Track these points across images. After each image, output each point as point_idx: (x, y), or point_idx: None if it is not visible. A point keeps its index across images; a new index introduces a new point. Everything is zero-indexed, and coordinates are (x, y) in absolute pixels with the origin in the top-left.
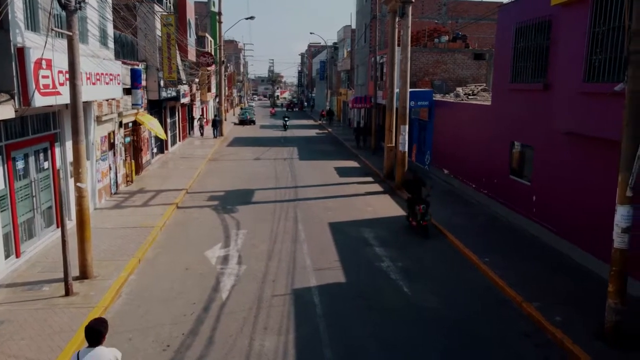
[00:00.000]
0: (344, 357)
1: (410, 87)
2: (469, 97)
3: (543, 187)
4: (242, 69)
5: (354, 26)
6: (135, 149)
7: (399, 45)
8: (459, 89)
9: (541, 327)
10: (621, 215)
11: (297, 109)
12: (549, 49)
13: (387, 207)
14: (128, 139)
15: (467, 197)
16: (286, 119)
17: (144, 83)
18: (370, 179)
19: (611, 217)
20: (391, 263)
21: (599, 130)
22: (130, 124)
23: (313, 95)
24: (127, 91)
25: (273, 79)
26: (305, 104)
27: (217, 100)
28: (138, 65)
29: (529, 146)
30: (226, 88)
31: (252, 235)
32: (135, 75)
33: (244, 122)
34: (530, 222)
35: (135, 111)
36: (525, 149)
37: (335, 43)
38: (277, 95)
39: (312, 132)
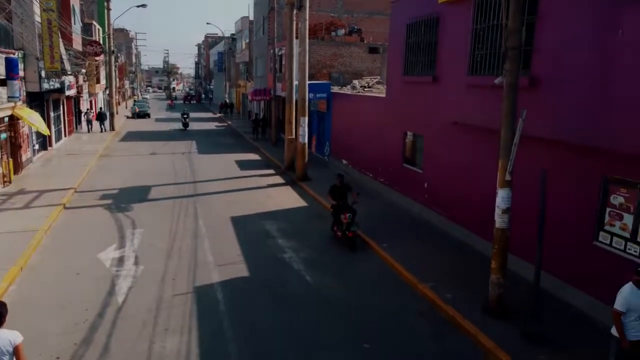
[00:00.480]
0: (249, 351)
1: (309, 80)
2: (365, 89)
3: (433, 174)
4: (134, 60)
5: (252, 17)
6: (13, 146)
7: (297, 37)
8: (356, 82)
9: (435, 306)
10: (501, 197)
11: (194, 102)
12: (437, 44)
13: (289, 199)
14: (4, 135)
15: (365, 186)
16: (185, 116)
17: (21, 73)
18: (271, 171)
19: (493, 200)
20: (294, 254)
21: (481, 120)
22: (7, 119)
23: (211, 87)
24: (1, 82)
25: (168, 70)
26: (203, 96)
27: (107, 92)
28: (14, 54)
29: (421, 135)
30: (117, 79)
31: (149, 234)
32: (10, 64)
33: (137, 115)
34: (423, 207)
35: (12, 104)
36: (417, 139)
37: (233, 34)
38: (173, 87)
39: (212, 125)
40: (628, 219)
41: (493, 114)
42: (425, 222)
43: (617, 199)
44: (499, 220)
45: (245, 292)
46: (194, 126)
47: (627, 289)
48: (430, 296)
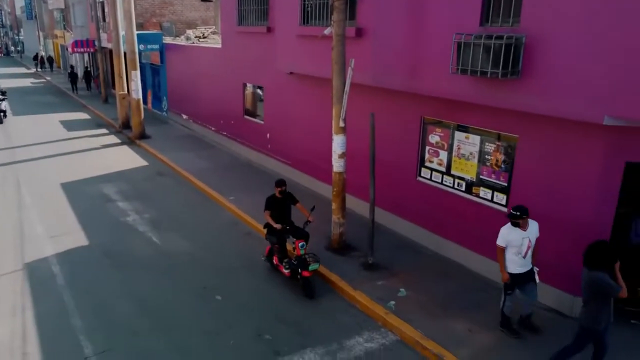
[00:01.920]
0: (96, 323)
1: (138, 30)
2: (200, 40)
3: (274, 125)
4: None
5: None
6: None
7: None
8: (190, 32)
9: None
10: (337, 143)
11: (1, 55)
12: None
13: (128, 159)
14: None
15: (208, 140)
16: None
17: None
18: (104, 130)
19: (326, 146)
20: (137, 216)
21: (315, 70)
22: None
23: (21, 38)
24: None
25: None
26: (12, 48)
27: None
28: None
29: (260, 87)
30: None
31: None
32: None
33: None
34: (267, 158)
35: None
36: (256, 90)
37: None
38: None
39: (26, 82)
40: (443, 155)
41: (325, 64)
42: (270, 172)
43: (434, 138)
44: (336, 164)
45: (87, 261)
46: (2, 83)
47: (505, 227)
48: None
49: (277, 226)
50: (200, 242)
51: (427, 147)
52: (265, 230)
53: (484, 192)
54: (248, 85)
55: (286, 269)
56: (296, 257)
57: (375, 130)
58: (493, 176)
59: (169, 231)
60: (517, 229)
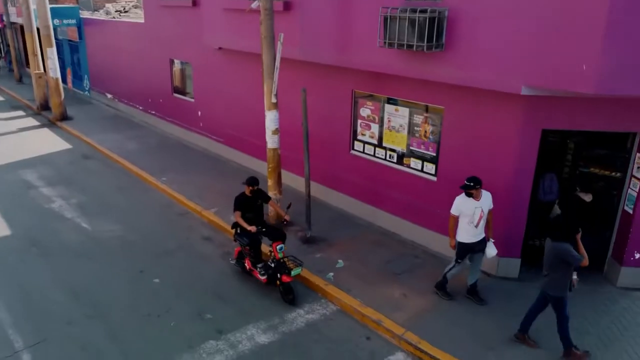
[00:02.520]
0: (26, 315)
1: (52, 3)
2: (121, 14)
3: (205, 102)
4: None
5: None
6: None
7: None
8: (109, 6)
9: (220, 229)
10: (270, 119)
11: None
12: None
13: (49, 143)
14: None
15: (136, 120)
16: None
17: None
18: (21, 112)
19: (259, 123)
20: (64, 202)
21: (244, 45)
22: None
23: None
24: None
25: None
26: None
27: None
28: None
29: (188, 63)
30: None
31: None
32: None
33: None
34: (199, 136)
35: None
36: (185, 67)
37: None
38: None
39: None
40: (375, 128)
41: (254, 39)
42: (202, 151)
43: (365, 111)
44: (270, 140)
45: (11, 252)
46: None
47: (459, 197)
48: (215, 221)
49: (252, 228)
50: (134, 226)
51: (359, 121)
52: (233, 231)
53: (415, 163)
54: (176, 61)
55: (262, 274)
56: (274, 260)
57: (308, 105)
58: (422, 147)
59: (99, 216)
60: (471, 199)
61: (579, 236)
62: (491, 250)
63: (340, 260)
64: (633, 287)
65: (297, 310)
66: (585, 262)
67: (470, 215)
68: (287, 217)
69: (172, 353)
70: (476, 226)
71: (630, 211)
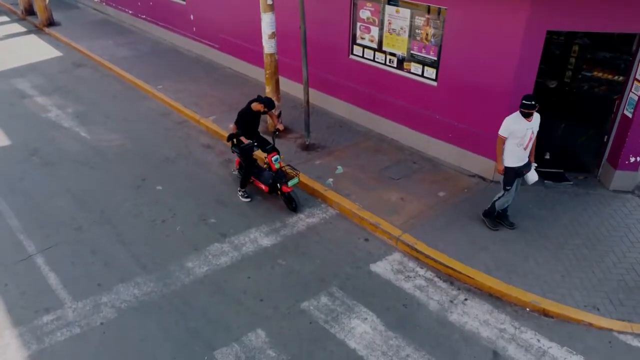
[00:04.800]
0: (35, 222)
1: None
2: None
3: (197, 5)
4: None
5: None
6: None
7: None
8: None
9: (219, 137)
10: (266, 22)
11: None
12: None
13: (38, 50)
14: None
15: (126, 25)
16: None
17: None
18: (5, 18)
19: (255, 28)
20: (60, 111)
21: None
22: None
23: None
24: None
25: None
26: None
27: None
28: None
29: None
30: None
31: None
32: None
33: None
34: (193, 42)
35: None
36: None
37: None
38: None
39: None
40: (375, 32)
41: None
42: (197, 57)
43: (365, 14)
44: (267, 45)
45: (12, 161)
46: None
47: (511, 117)
48: (212, 128)
49: (248, 142)
50: (132, 135)
51: (359, 24)
52: (229, 144)
53: (415, 67)
54: None
55: (263, 183)
56: (271, 171)
57: (305, 9)
58: (423, 50)
59: (97, 125)
60: (523, 120)
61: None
62: (534, 175)
63: (339, 167)
64: (625, 190)
65: (298, 215)
66: None
67: (521, 137)
68: (280, 126)
69: (179, 255)
70: (525, 148)
71: (630, 115)
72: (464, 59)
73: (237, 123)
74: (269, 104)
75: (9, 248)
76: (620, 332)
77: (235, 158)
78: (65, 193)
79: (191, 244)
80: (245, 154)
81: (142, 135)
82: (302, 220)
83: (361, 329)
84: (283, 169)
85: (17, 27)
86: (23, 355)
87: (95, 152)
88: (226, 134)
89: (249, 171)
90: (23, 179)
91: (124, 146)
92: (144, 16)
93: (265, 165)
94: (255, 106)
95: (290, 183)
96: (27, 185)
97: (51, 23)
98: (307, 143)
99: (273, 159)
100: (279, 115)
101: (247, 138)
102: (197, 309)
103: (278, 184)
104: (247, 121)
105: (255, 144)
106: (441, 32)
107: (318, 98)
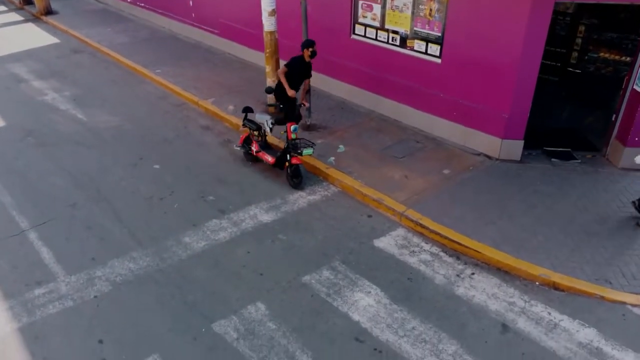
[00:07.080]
0: (29, 199)
1: None
2: None
3: None
4: None
5: None
6: None
7: None
8: None
9: (218, 118)
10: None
11: None
12: None
13: (35, 37)
14: None
15: (124, 13)
16: None
17: None
18: (2, 7)
19: (255, 12)
20: (56, 94)
21: None
22: None
23: None
24: None
25: None
26: None
27: None
28: None
29: None
30: None
31: None
32: None
33: None
34: (192, 28)
35: None
36: None
37: None
38: None
39: None
40: (377, 9)
41: None
42: (195, 43)
43: None
44: (267, 23)
45: (8, 142)
46: None
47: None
48: (212, 110)
49: (292, 92)
50: (130, 117)
51: (360, 2)
52: (243, 115)
53: (418, 45)
54: None
55: (271, 155)
56: (289, 142)
57: None
58: (427, 27)
59: (94, 107)
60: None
61: None
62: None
63: (341, 146)
64: (634, 168)
65: (299, 192)
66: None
67: None
68: (305, 102)
69: (177, 231)
70: None
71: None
72: (469, 34)
73: (288, 66)
74: (307, 42)
75: (0, 224)
76: (634, 305)
77: (242, 134)
78: (61, 171)
79: (189, 220)
80: (287, 104)
81: (140, 117)
82: (303, 198)
83: (365, 302)
84: (297, 141)
85: (14, 16)
86: (13, 327)
87: (92, 133)
88: (226, 115)
89: (291, 115)
90: (18, 159)
91: (122, 127)
92: (143, 4)
93: (282, 133)
94: (305, 53)
95: (304, 152)
96: (22, 164)
97: (49, 12)
98: (308, 124)
99: (292, 127)
100: (308, 92)
101: (291, 87)
102: (194, 282)
103: (288, 155)
104: (295, 70)
105: (281, 105)
106: (445, 7)
107: (319, 80)
